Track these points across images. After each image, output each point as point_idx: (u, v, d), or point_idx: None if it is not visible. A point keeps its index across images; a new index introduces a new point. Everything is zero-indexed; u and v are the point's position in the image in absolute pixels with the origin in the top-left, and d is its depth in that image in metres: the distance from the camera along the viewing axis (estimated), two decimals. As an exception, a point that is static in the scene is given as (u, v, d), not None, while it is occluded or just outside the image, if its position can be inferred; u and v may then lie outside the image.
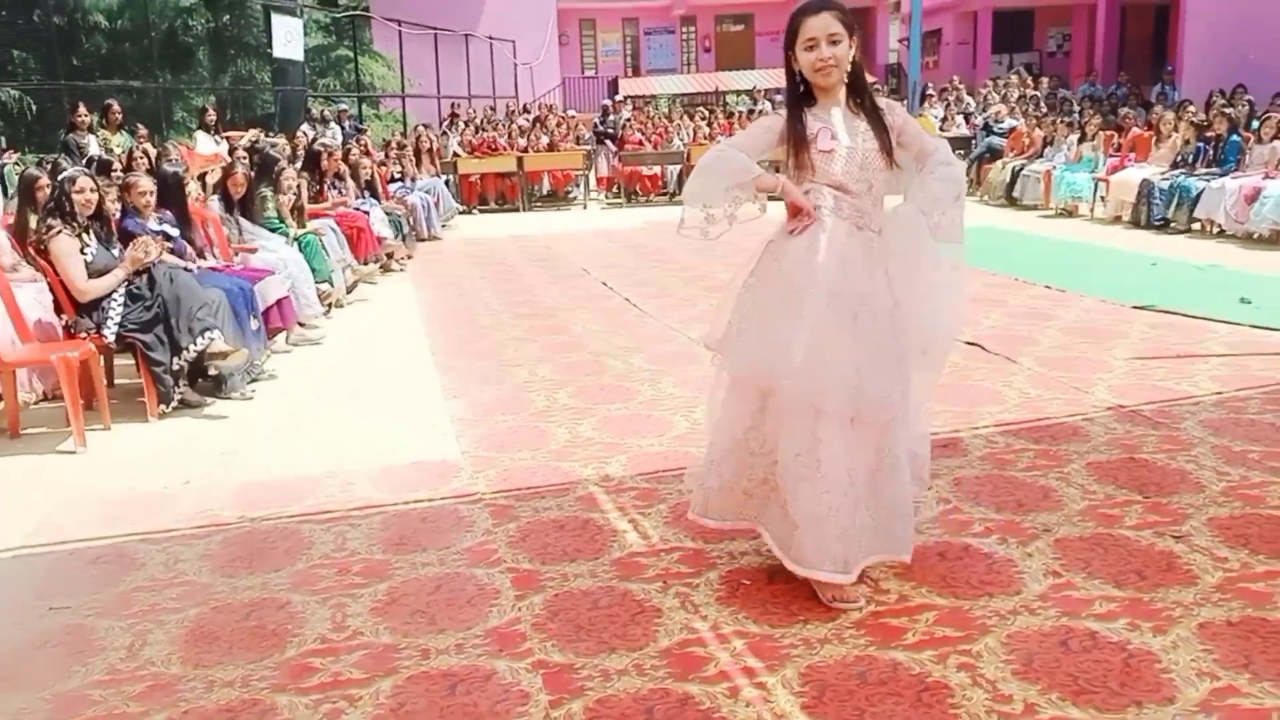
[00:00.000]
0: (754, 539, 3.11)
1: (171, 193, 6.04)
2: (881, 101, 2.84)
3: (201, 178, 7.88)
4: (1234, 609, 2.69)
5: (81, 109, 10.55)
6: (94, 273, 5.00)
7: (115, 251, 5.20)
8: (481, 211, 14.88)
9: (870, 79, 3.02)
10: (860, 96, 2.81)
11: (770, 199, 2.84)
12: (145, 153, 9.24)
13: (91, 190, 5.08)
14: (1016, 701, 2.32)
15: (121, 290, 5.02)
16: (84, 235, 5.02)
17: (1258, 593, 2.77)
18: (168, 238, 5.78)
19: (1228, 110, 10.39)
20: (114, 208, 5.66)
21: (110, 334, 5.00)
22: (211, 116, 12.24)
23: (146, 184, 5.79)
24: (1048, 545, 3.12)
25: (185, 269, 5.43)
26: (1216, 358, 5.20)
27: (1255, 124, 9.98)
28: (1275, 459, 3.75)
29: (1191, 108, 11.66)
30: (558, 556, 3.21)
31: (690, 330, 6.25)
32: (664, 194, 15.37)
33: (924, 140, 2.88)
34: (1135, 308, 6.46)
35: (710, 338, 3.00)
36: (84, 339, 4.96)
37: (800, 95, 2.82)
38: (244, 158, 8.31)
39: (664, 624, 2.76)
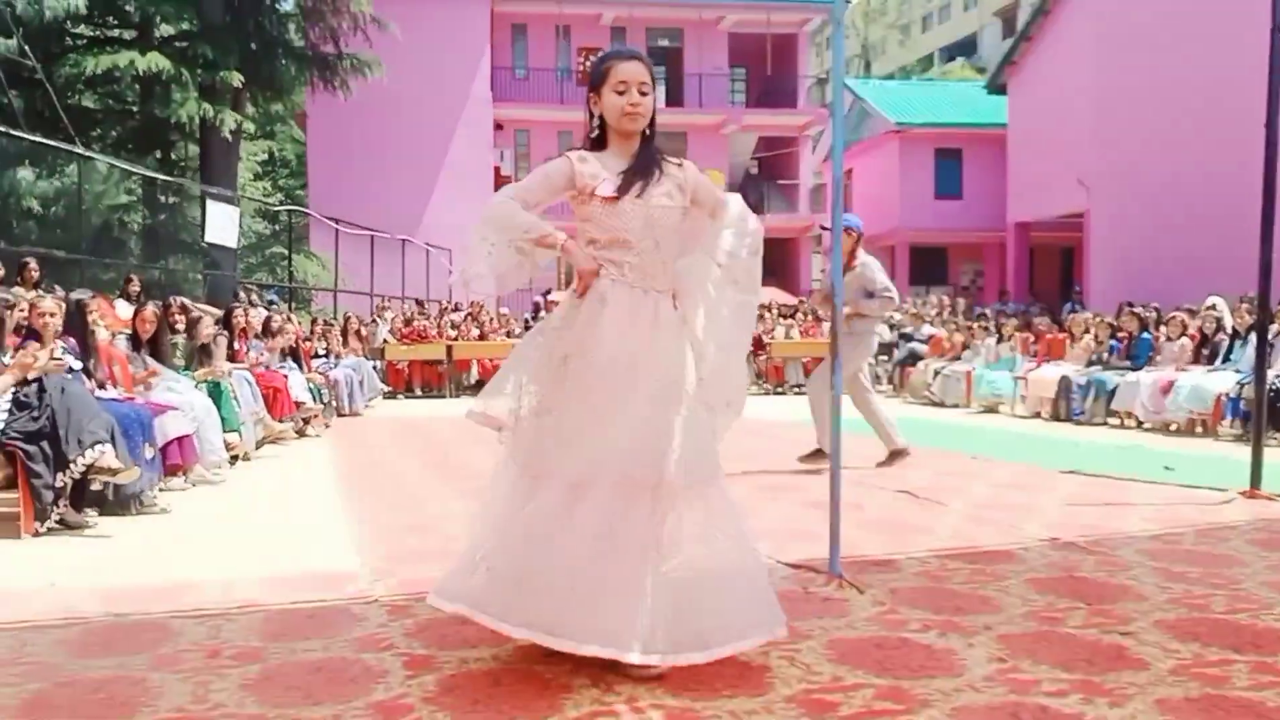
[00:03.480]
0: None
1: (75, 321, 5.80)
2: (674, 159, 2.78)
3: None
4: (1192, 688, 2.48)
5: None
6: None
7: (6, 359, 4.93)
8: (407, 398, 14.65)
9: None
10: (653, 151, 2.73)
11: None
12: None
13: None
14: (968, 759, 2.06)
15: (8, 396, 4.71)
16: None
17: (1215, 675, 2.57)
18: (69, 370, 5.51)
19: (1137, 310, 10.84)
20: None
21: (-10, 439, 4.64)
22: (135, 287, 12.03)
23: (49, 305, 5.53)
24: (990, 639, 2.89)
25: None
26: (1147, 505, 5.13)
27: (1162, 327, 10.40)
28: (1216, 578, 3.60)
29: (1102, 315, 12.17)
30: (458, 644, 2.89)
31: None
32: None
33: (716, 195, 2.82)
34: (1063, 472, 6.43)
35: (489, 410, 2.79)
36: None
37: (594, 141, 2.77)
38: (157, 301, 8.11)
39: (574, 698, 2.44)
